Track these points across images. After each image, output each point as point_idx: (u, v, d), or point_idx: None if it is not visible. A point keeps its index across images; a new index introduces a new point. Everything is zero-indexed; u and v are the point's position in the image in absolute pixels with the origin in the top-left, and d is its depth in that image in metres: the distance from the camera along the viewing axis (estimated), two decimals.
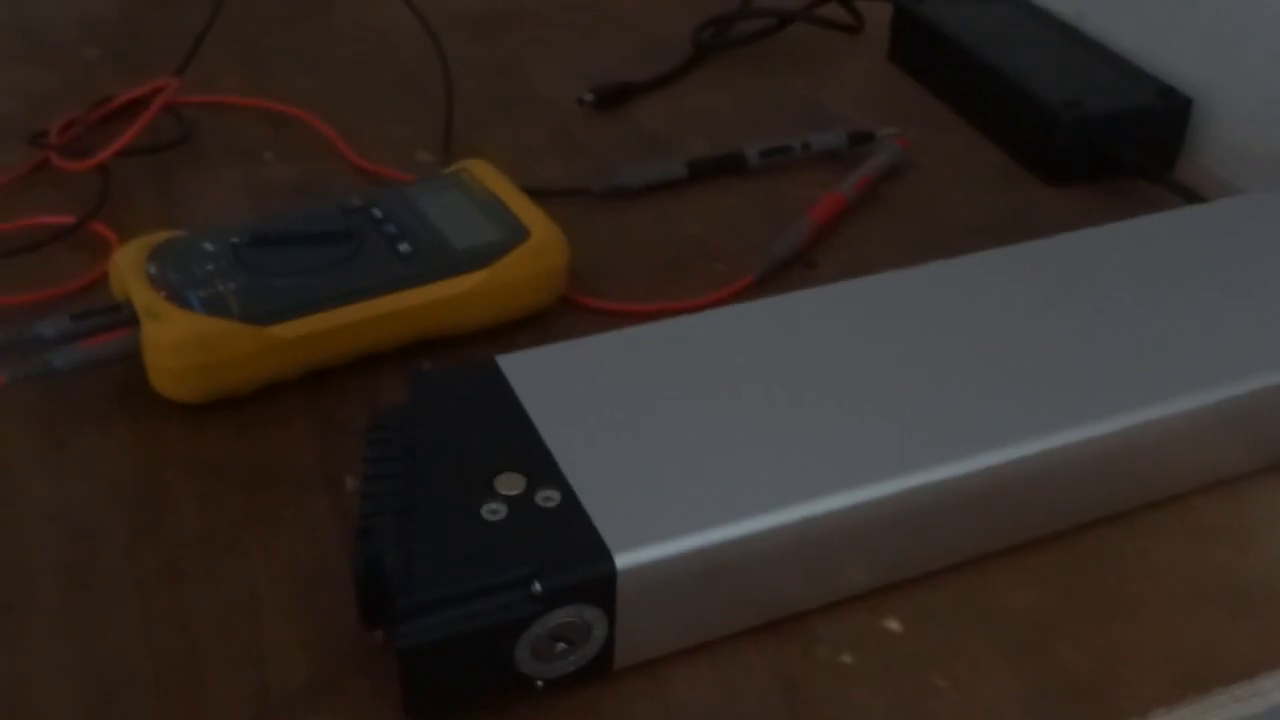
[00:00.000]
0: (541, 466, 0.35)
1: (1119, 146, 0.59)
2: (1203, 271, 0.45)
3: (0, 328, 0.44)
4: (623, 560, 0.33)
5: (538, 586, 0.32)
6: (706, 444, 0.37)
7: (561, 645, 0.33)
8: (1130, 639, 0.37)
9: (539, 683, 0.34)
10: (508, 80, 0.68)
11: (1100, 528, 0.41)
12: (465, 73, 0.68)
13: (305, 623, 0.36)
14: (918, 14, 0.69)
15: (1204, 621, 0.38)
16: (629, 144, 0.62)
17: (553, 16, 0.75)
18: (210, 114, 0.63)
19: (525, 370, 0.39)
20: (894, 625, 0.37)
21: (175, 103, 0.62)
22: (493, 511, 0.34)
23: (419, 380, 0.39)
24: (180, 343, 0.42)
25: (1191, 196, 0.57)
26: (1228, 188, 0.61)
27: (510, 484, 0.35)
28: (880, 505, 0.36)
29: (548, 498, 0.34)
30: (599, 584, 0.33)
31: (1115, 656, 0.36)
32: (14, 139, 0.59)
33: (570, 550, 0.33)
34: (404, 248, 0.47)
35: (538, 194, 0.52)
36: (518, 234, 0.48)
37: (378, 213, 0.48)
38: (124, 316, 0.44)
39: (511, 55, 0.71)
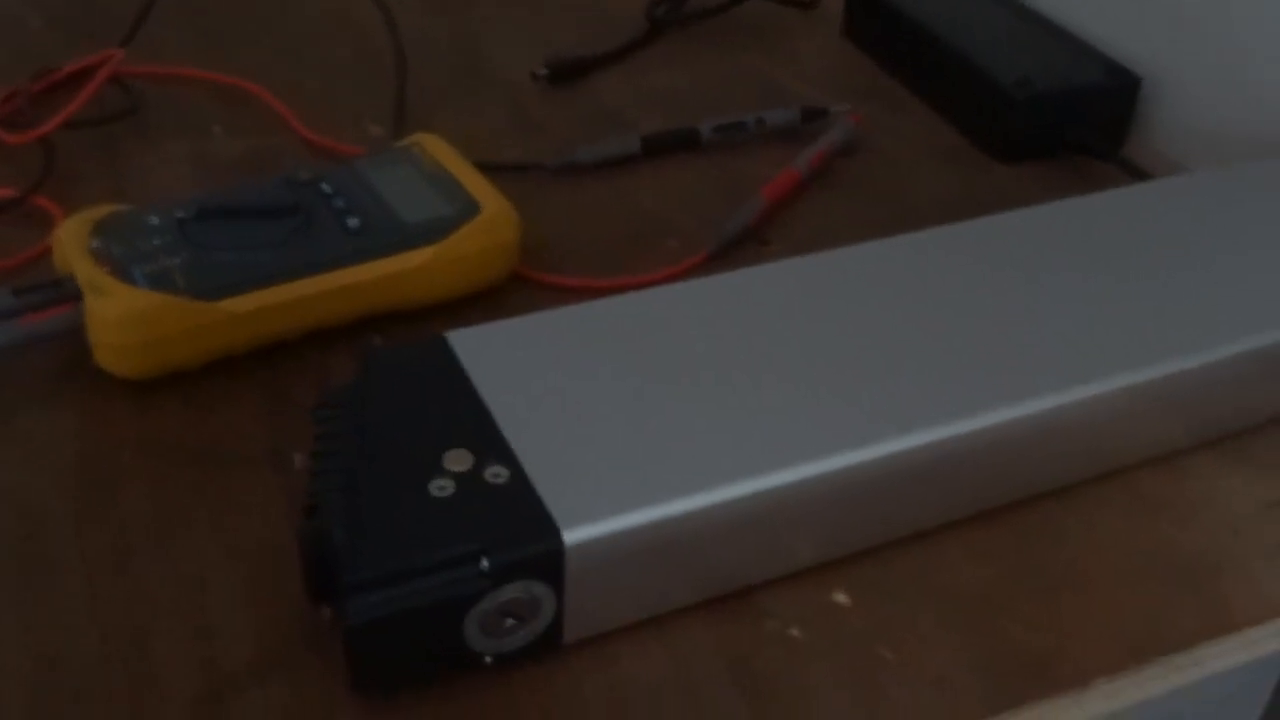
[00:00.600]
0: (490, 443, 0.35)
1: (1069, 125, 0.60)
2: (1148, 249, 0.45)
3: None
4: (571, 536, 0.33)
5: (485, 563, 0.32)
6: (656, 420, 0.37)
7: (510, 621, 0.33)
8: (1075, 612, 0.37)
9: (488, 659, 0.34)
10: (464, 55, 0.67)
11: (1046, 502, 0.41)
12: (422, 47, 0.67)
13: (253, 600, 0.36)
14: None
15: (1146, 595, 0.38)
16: (584, 119, 0.62)
17: None
18: (159, 86, 0.62)
19: (475, 346, 0.39)
20: (842, 599, 0.37)
21: (122, 74, 0.60)
22: (441, 488, 0.34)
23: (368, 357, 0.39)
24: (123, 318, 0.41)
25: (1140, 175, 0.57)
26: (1175, 166, 0.61)
27: (458, 460, 0.35)
28: (827, 480, 0.36)
29: (496, 474, 0.34)
30: (547, 560, 0.33)
31: (1060, 629, 0.37)
32: None
33: (518, 526, 0.33)
34: (353, 222, 0.46)
35: (491, 169, 0.52)
36: (469, 209, 0.47)
37: (327, 187, 0.48)
38: (67, 292, 0.43)
39: (469, 30, 0.70)
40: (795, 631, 0.36)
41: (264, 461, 0.41)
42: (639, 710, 0.34)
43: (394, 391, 0.37)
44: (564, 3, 0.74)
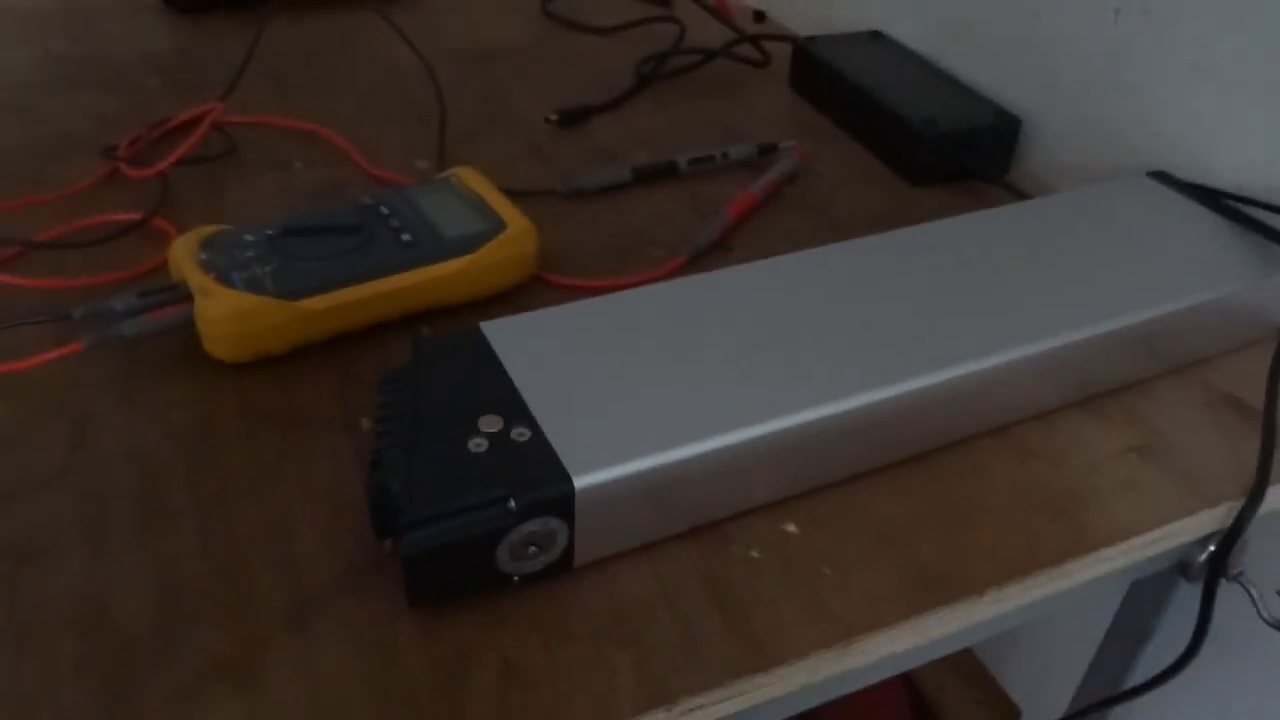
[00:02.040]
0: (516, 409, 0.35)
1: (966, 156, 0.60)
2: (1026, 252, 0.45)
3: (81, 303, 0.42)
4: (580, 482, 0.33)
5: (513, 503, 0.32)
6: (646, 389, 0.36)
7: (532, 549, 0.33)
8: (972, 537, 0.38)
9: (515, 578, 0.34)
10: (490, 103, 0.67)
11: (947, 453, 0.41)
12: (456, 97, 0.66)
13: (331, 535, 0.36)
14: (812, 51, 0.68)
15: (1026, 523, 0.38)
16: (586, 154, 0.61)
17: (527, 52, 0.74)
18: (250, 131, 0.61)
19: (503, 334, 0.39)
20: (792, 529, 0.37)
21: (222, 122, 0.60)
22: (477, 445, 0.33)
23: (418, 343, 0.38)
24: (226, 315, 0.41)
25: (1020, 195, 0.57)
26: (1048, 187, 0.61)
27: (490, 423, 0.34)
28: (781, 436, 0.36)
29: (520, 434, 0.34)
30: (561, 501, 0.33)
31: (960, 551, 0.37)
32: (90, 152, 0.57)
33: (539, 475, 0.33)
34: (406, 237, 0.46)
35: (513, 194, 0.52)
36: (497, 226, 0.47)
37: (385, 209, 0.47)
38: (180, 294, 0.42)
39: (494, 83, 0.69)
40: (755, 554, 0.36)
41: (337, 426, 0.41)
42: (634, 616, 0.34)
43: (440, 371, 0.37)
44: (570, 62, 0.73)
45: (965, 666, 0.89)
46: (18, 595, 0.33)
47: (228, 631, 0.33)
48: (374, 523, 0.34)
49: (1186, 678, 0.44)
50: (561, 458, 0.33)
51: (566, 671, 0.32)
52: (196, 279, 0.42)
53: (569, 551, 0.34)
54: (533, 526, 0.32)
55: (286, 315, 0.42)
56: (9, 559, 0.34)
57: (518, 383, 0.36)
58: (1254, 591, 0.42)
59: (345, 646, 0.32)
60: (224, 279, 0.42)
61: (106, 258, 0.49)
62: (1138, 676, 0.54)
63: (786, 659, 0.33)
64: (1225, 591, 0.42)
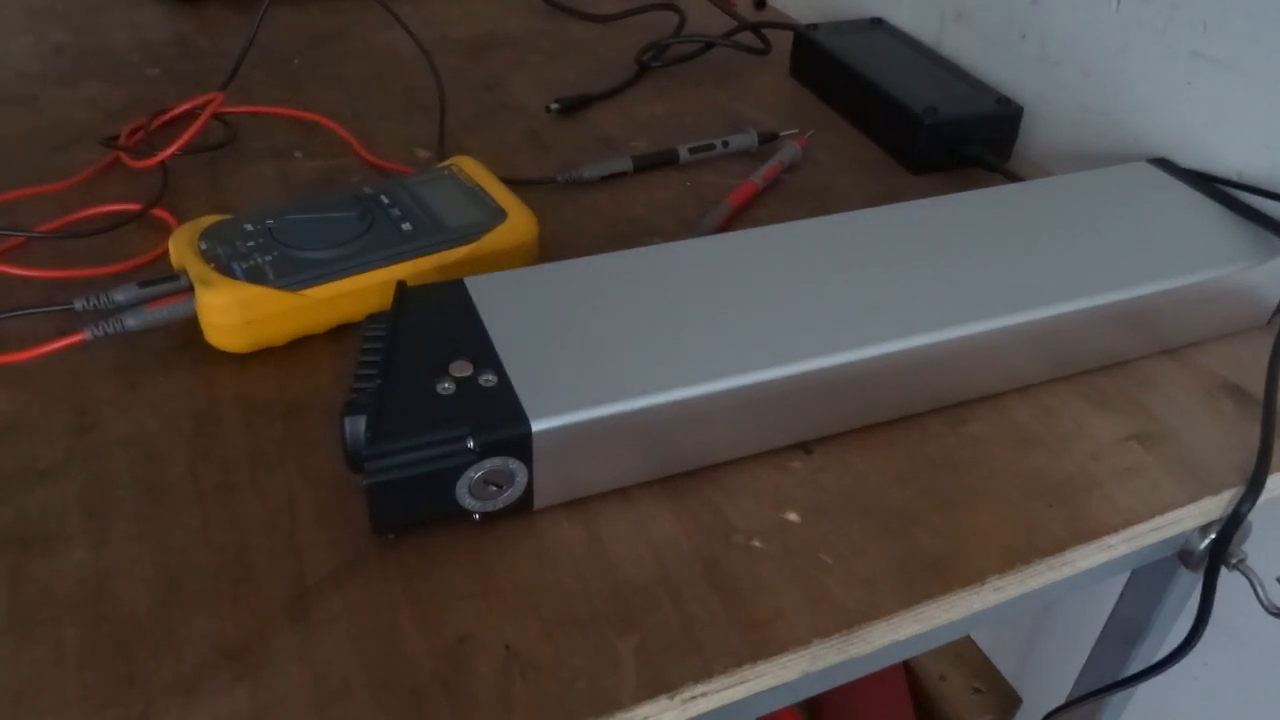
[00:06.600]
0: (487, 357, 0.36)
1: (966, 143, 0.59)
2: (1021, 228, 0.45)
3: (82, 294, 0.42)
4: (537, 425, 0.34)
5: (471, 442, 0.33)
6: (617, 343, 0.37)
7: (492, 488, 0.34)
8: (972, 525, 0.37)
9: (476, 515, 0.35)
10: (490, 92, 0.66)
11: (947, 440, 0.41)
12: (456, 86, 0.66)
13: (332, 523, 0.36)
14: (813, 39, 0.68)
15: (1027, 511, 0.38)
16: (586, 143, 0.61)
17: (527, 41, 0.74)
18: (250, 121, 0.61)
19: (485, 288, 0.39)
20: (793, 517, 0.37)
21: (222, 112, 0.60)
22: (445, 388, 0.34)
23: (401, 290, 0.39)
24: (227, 305, 0.41)
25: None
26: (1049, 176, 0.61)
27: (461, 368, 0.35)
28: (739, 392, 0.36)
29: (487, 379, 0.35)
30: (519, 442, 0.34)
31: (961, 539, 0.37)
32: (91, 142, 0.57)
33: (499, 417, 0.34)
34: (406, 227, 0.45)
35: (514, 183, 0.51)
36: (497, 215, 0.47)
37: (385, 199, 0.47)
38: (182, 284, 0.42)
39: (494, 72, 0.69)
40: (757, 543, 0.36)
41: (337, 415, 0.40)
42: (636, 604, 0.34)
43: (419, 317, 0.38)
44: (570, 50, 0.73)
45: (966, 655, 0.89)
46: (21, 583, 0.33)
47: (230, 619, 0.33)
48: (347, 459, 0.35)
49: (1186, 665, 0.44)
50: (522, 402, 0.34)
51: (568, 659, 0.32)
52: (197, 269, 0.42)
53: (528, 493, 0.35)
54: (491, 465, 0.33)
55: (287, 305, 0.42)
56: (12, 547, 0.35)
57: (491, 332, 0.37)
58: (1255, 579, 0.42)
59: (347, 634, 0.32)
60: (225, 269, 0.42)
61: (108, 247, 0.49)
62: (1138, 664, 0.54)
63: (788, 647, 0.33)
64: (1226, 579, 0.42)
